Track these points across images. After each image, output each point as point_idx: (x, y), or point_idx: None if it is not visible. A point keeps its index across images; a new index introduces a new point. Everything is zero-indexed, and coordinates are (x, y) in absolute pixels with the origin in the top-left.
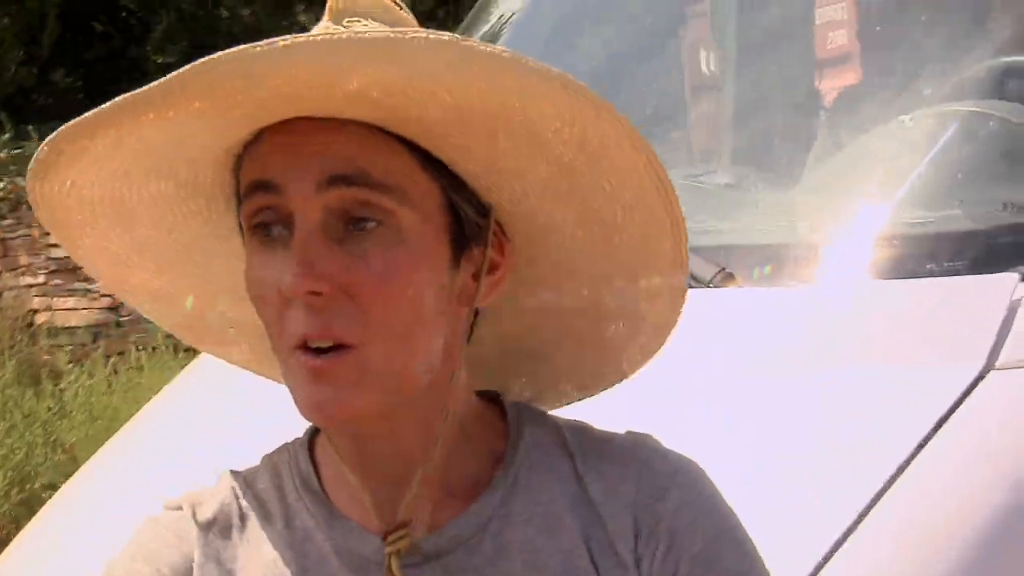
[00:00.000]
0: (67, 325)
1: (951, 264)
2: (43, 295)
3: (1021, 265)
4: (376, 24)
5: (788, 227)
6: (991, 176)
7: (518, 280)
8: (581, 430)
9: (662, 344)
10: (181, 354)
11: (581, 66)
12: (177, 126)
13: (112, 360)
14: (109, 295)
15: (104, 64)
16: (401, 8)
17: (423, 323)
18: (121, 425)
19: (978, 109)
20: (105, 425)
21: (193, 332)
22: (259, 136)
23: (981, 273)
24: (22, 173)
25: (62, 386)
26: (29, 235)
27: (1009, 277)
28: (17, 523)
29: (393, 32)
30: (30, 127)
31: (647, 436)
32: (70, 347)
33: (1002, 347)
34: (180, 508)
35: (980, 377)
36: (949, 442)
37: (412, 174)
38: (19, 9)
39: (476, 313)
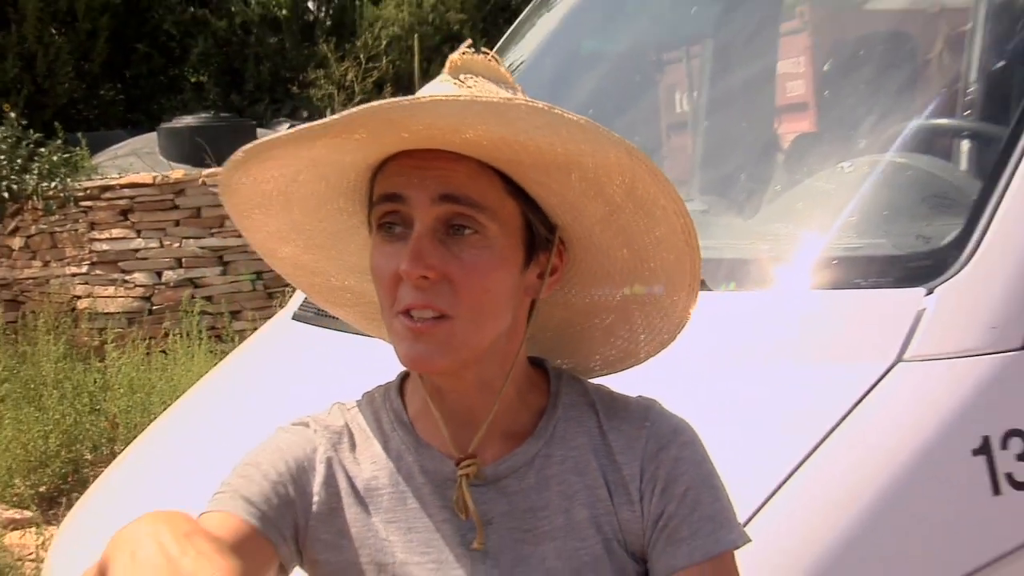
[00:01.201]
0: (106, 311)
1: (876, 280)
2: (85, 283)
3: (928, 282)
4: (484, 81)
5: (758, 247)
6: (910, 214)
7: (568, 281)
8: (606, 394)
9: (675, 339)
10: (206, 341)
11: (576, 103)
12: (339, 146)
13: (145, 343)
14: (143, 286)
15: (145, 80)
16: (500, 66)
17: (497, 307)
18: (157, 398)
19: (902, 160)
20: (143, 398)
21: (321, 295)
22: (393, 157)
23: (898, 288)
24: (71, 175)
25: (105, 363)
26: (75, 230)
27: (918, 291)
28: (64, 480)
29: (501, 98)
30: (79, 134)
31: (655, 401)
32: (108, 330)
33: (909, 344)
34: (306, 424)
35: (891, 367)
36: (866, 416)
37: (501, 198)
38: (73, 30)
39: (534, 302)
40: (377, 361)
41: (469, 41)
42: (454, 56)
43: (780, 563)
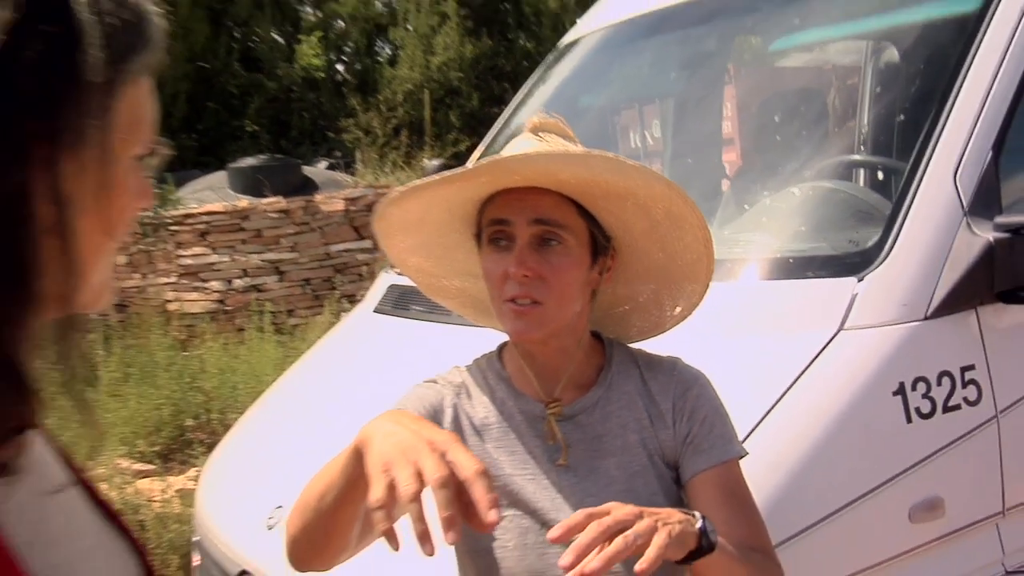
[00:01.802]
0: (190, 312)
1: (821, 272)
2: (174, 291)
3: (858, 273)
4: (555, 136)
5: (732, 250)
6: (843, 226)
7: (616, 276)
8: (644, 354)
9: (689, 316)
10: (269, 335)
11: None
12: (465, 187)
13: (223, 335)
14: (218, 291)
15: (214, 131)
16: (564, 124)
17: (573, 296)
18: (240, 378)
19: (835, 187)
20: (229, 377)
21: (434, 292)
22: (498, 192)
23: (837, 277)
24: (161, 206)
25: (198, 352)
26: (165, 248)
27: (852, 280)
28: (175, 441)
29: (583, 151)
30: (166, 174)
31: (678, 358)
32: (192, 326)
33: (847, 317)
34: (435, 381)
35: (836, 334)
36: (819, 368)
37: (575, 219)
38: (161, 93)
39: (595, 292)
40: (434, 339)
41: (547, 113)
42: (533, 119)
43: (766, 471)
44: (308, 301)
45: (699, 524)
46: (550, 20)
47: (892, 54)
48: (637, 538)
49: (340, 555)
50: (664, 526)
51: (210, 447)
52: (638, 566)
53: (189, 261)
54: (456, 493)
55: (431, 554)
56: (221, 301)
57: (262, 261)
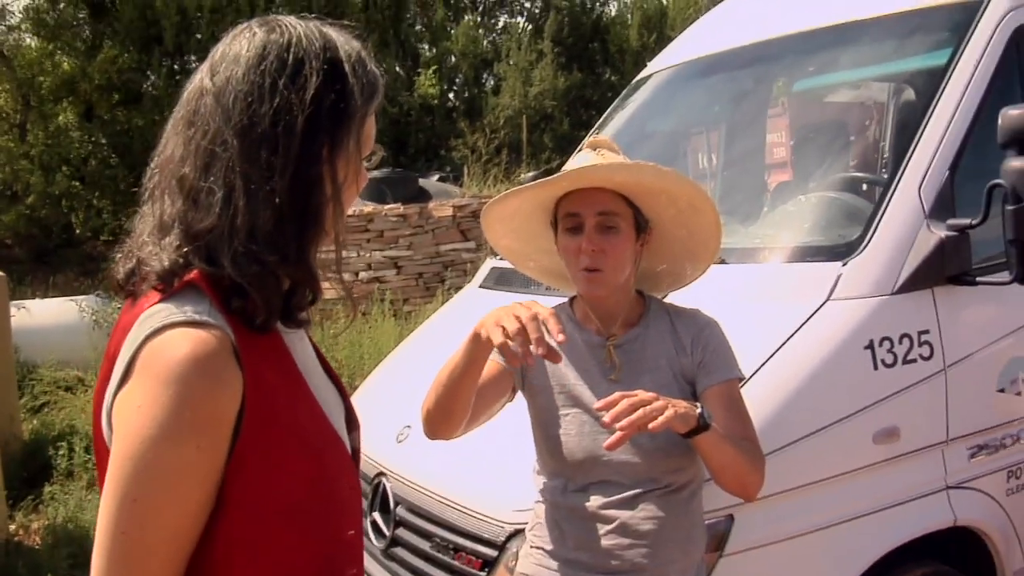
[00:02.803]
0: (325, 298)
1: (816, 258)
2: None
3: (843, 259)
4: (608, 152)
5: (754, 240)
6: (839, 224)
7: (652, 249)
8: (671, 305)
9: (703, 275)
10: (389, 316)
11: (645, 158)
12: (550, 189)
13: (350, 318)
14: (348, 282)
15: None
16: (613, 143)
17: (625, 264)
18: (365, 351)
19: (834, 196)
20: (356, 349)
21: (522, 266)
22: (570, 192)
23: (827, 262)
24: None
25: (333, 330)
26: None
27: (838, 263)
28: None
29: (632, 162)
30: None
31: (698, 309)
32: (323, 309)
33: (833, 291)
34: None
35: (823, 303)
36: (810, 327)
37: (624, 208)
38: None
39: (637, 260)
40: None
41: (599, 134)
42: (590, 139)
43: (765, 397)
44: (421, 292)
45: (699, 410)
46: (632, 57)
47: (909, 94)
48: (653, 410)
49: (460, 422)
50: (672, 406)
51: None
52: (651, 424)
53: (323, 256)
54: (540, 324)
55: (532, 363)
56: (347, 290)
57: (383, 257)
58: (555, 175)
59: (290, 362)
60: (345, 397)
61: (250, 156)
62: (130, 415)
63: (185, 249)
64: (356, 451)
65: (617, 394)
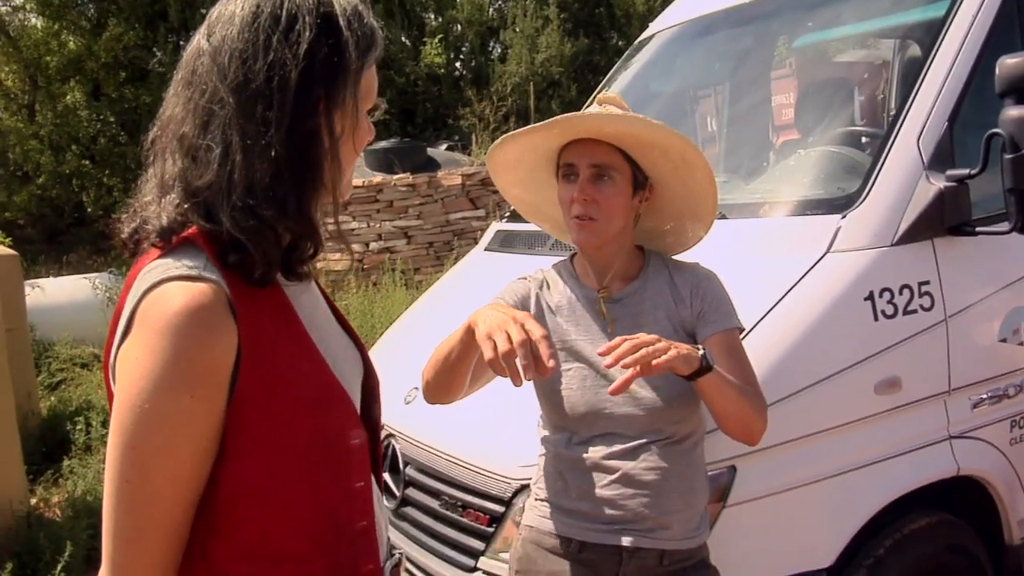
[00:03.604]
0: (335, 269)
1: (815, 211)
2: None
3: (842, 212)
4: (614, 107)
5: (754, 196)
6: (839, 178)
7: (651, 205)
8: (673, 260)
9: (703, 238)
10: (400, 286)
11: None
12: (546, 136)
13: (362, 287)
14: (357, 252)
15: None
16: (622, 100)
17: (617, 215)
18: (376, 320)
19: (835, 150)
20: (368, 319)
21: (531, 215)
22: (569, 143)
23: (827, 215)
24: None
25: (344, 301)
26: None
27: (837, 216)
28: None
29: (627, 114)
30: None
31: (697, 262)
32: (335, 280)
33: (833, 243)
34: (525, 278)
35: (823, 255)
36: (811, 278)
37: (621, 162)
38: None
39: (637, 216)
40: (525, 268)
41: (608, 92)
42: (599, 96)
43: (767, 348)
44: (431, 261)
45: (701, 352)
46: (639, 21)
47: (913, 49)
48: (656, 350)
49: (458, 394)
50: (675, 348)
51: None
52: (655, 363)
53: (333, 227)
54: (530, 349)
55: (520, 384)
56: (360, 260)
57: (393, 227)
58: (547, 120)
59: (291, 315)
60: (363, 351)
61: (246, 112)
62: (129, 366)
63: (184, 206)
64: (376, 407)
65: (619, 338)
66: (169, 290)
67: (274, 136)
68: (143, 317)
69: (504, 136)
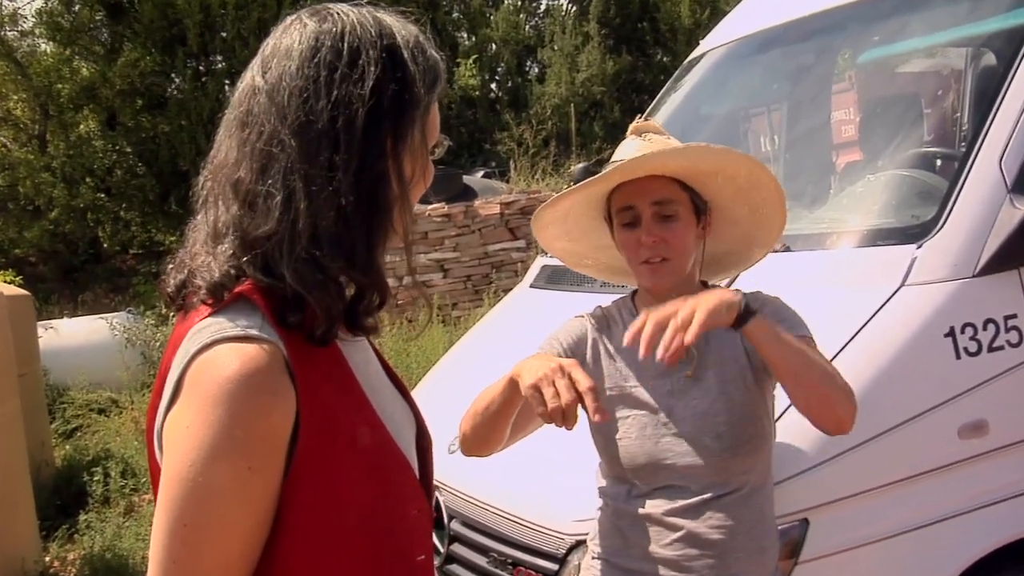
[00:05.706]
0: None
1: (889, 241)
2: None
3: (918, 241)
4: (657, 136)
5: (820, 225)
6: (911, 204)
7: (714, 232)
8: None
9: (762, 259)
10: (436, 324)
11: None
12: (598, 184)
13: (397, 324)
14: (392, 287)
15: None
16: (658, 125)
17: (689, 250)
18: (412, 360)
19: (906, 174)
20: (403, 359)
21: (577, 265)
22: (622, 184)
23: (902, 245)
24: None
25: (377, 339)
26: None
27: (912, 246)
28: None
29: (684, 145)
30: None
31: (759, 291)
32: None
33: (908, 276)
34: (582, 316)
35: (899, 288)
36: (887, 313)
37: (681, 194)
38: None
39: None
40: (574, 306)
41: (641, 117)
42: (634, 124)
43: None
44: (469, 295)
45: (739, 295)
46: (684, 35)
47: (988, 59)
48: (683, 322)
49: (496, 447)
50: (702, 307)
51: None
52: (687, 338)
53: (409, 279)
54: (575, 400)
55: (571, 428)
56: (394, 295)
57: (428, 260)
58: (604, 170)
59: (348, 374)
60: (414, 408)
61: (309, 155)
62: (179, 436)
63: (240, 259)
64: (429, 468)
65: (639, 320)
66: (222, 352)
67: (341, 181)
68: (194, 382)
69: (557, 196)
